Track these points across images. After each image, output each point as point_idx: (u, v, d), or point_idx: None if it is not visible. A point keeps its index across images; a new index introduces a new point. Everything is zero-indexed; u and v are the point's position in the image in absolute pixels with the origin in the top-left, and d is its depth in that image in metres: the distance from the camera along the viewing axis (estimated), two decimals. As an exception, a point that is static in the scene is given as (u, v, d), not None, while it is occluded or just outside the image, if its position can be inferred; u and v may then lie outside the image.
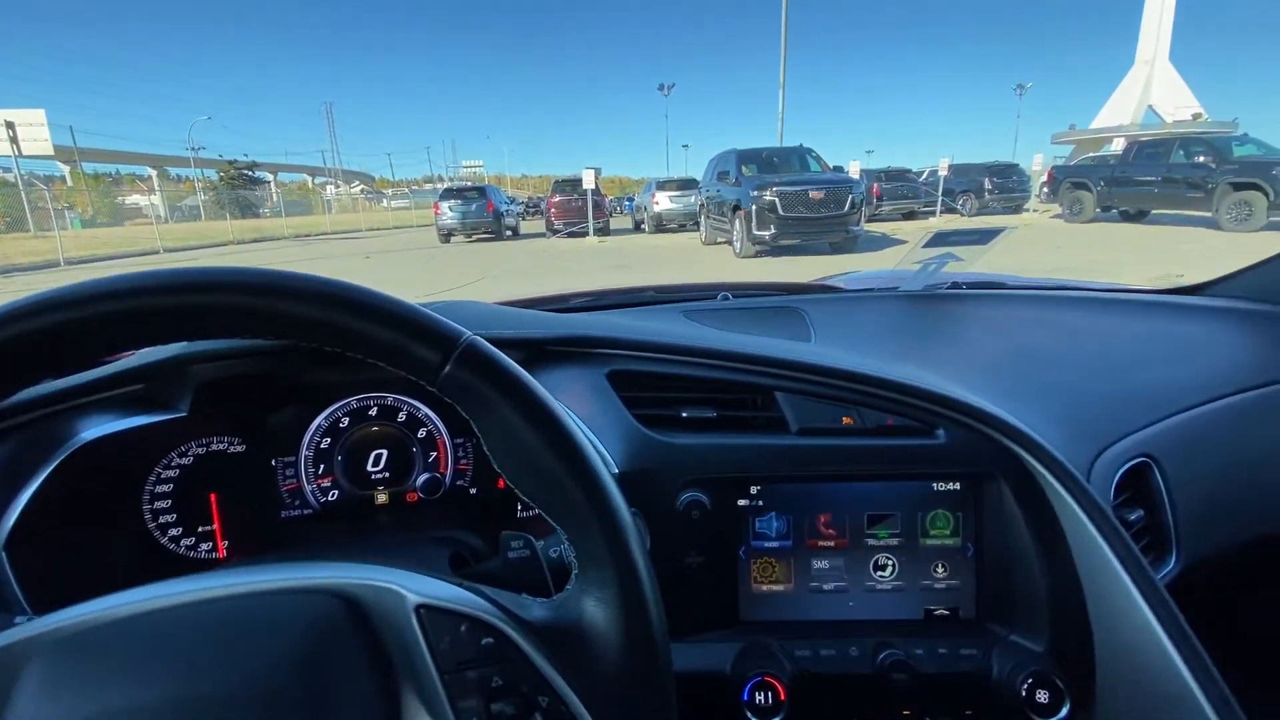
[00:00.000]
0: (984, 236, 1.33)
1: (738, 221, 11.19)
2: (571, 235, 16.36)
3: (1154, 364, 1.10)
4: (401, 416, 0.90)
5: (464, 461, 0.94)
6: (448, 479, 0.92)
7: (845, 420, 0.82)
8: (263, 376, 0.82)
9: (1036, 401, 0.96)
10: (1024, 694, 0.72)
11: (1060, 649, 0.76)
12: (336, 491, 0.88)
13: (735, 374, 0.86)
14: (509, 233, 18.70)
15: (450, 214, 17.24)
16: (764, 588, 0.83)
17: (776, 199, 10.49)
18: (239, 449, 0.84)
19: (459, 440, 0.93)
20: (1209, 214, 12.09)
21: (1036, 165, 17.86)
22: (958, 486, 0.81)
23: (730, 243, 11.85)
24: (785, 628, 0.81)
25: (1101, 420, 0.95)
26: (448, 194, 18.33)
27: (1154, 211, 13.97)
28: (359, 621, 0.42)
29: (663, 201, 16.46)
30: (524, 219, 23.88)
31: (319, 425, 0.87)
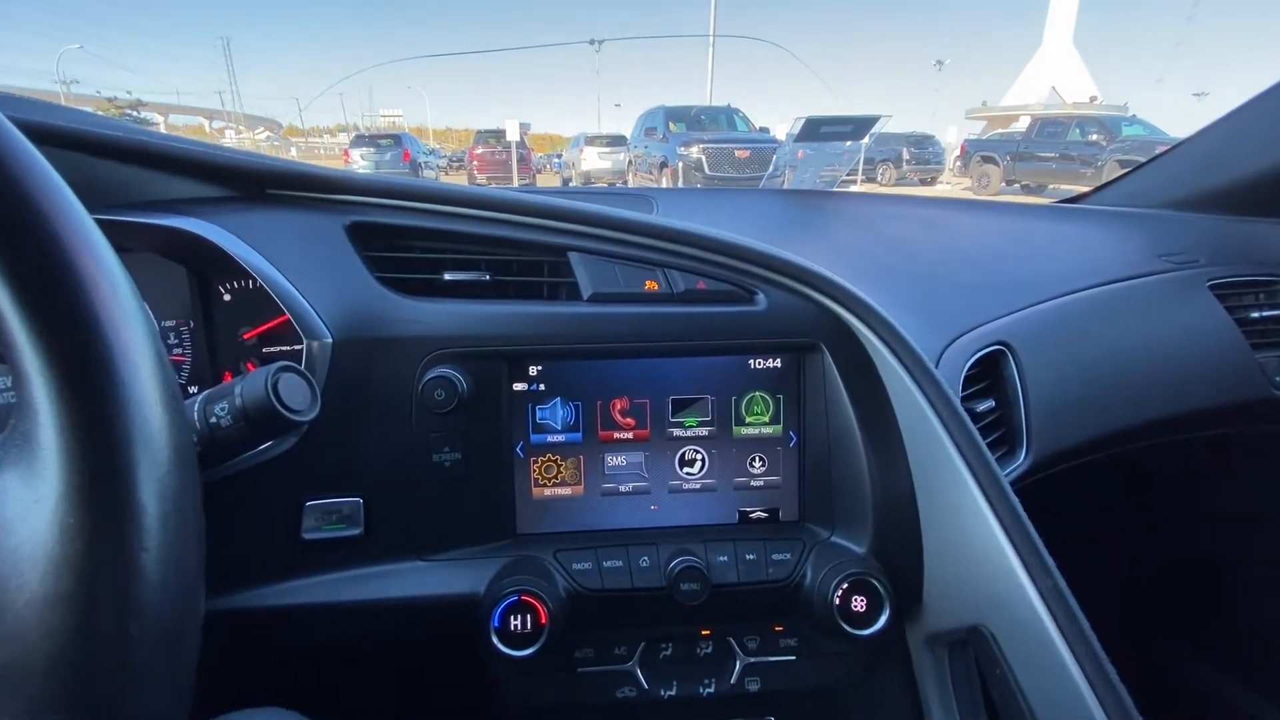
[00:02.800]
0: (858, 128, 1.20)
1: (665, 178, 11.00)
2: (494, 190, 15.59)
3: (1020, 259, 1.01)
4: None
5: (179, 351, 0.72)
6: None
7: (649, 285, 0.66)
8: None
9: (888, 286, 0.84)
10: (837, 602, 0.60)
11: (884, 550, 0.64)
12: None
13: (518, 231, 0.67)
14: (427, 186, 17.66)
15: (362, 163, 16.06)
16: (547, 492, 0.67)
17: (703, 156, 10.37)
18: None
19: (171, 323, 0.72)
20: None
21: (951, 138, 18.50)
22: (778, 363, 0.67)
23: (657, 200, 11.72)
24: (573, 540, 0.66)
25: (957, 307, 0.84)
26: (359, 141, 17.10)
27: (1050, 186, 14.82)
28: None
29: (591, 157, 15.94)
30: (446, 172, 22.71)
31: None
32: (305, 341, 0.59)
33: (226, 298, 0.73)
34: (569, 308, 0.65)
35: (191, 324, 0.72)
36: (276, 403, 0.44)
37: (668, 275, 0.66)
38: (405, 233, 0.68)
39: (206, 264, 0.69)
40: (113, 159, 0.63)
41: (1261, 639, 1.07)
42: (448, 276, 0.66)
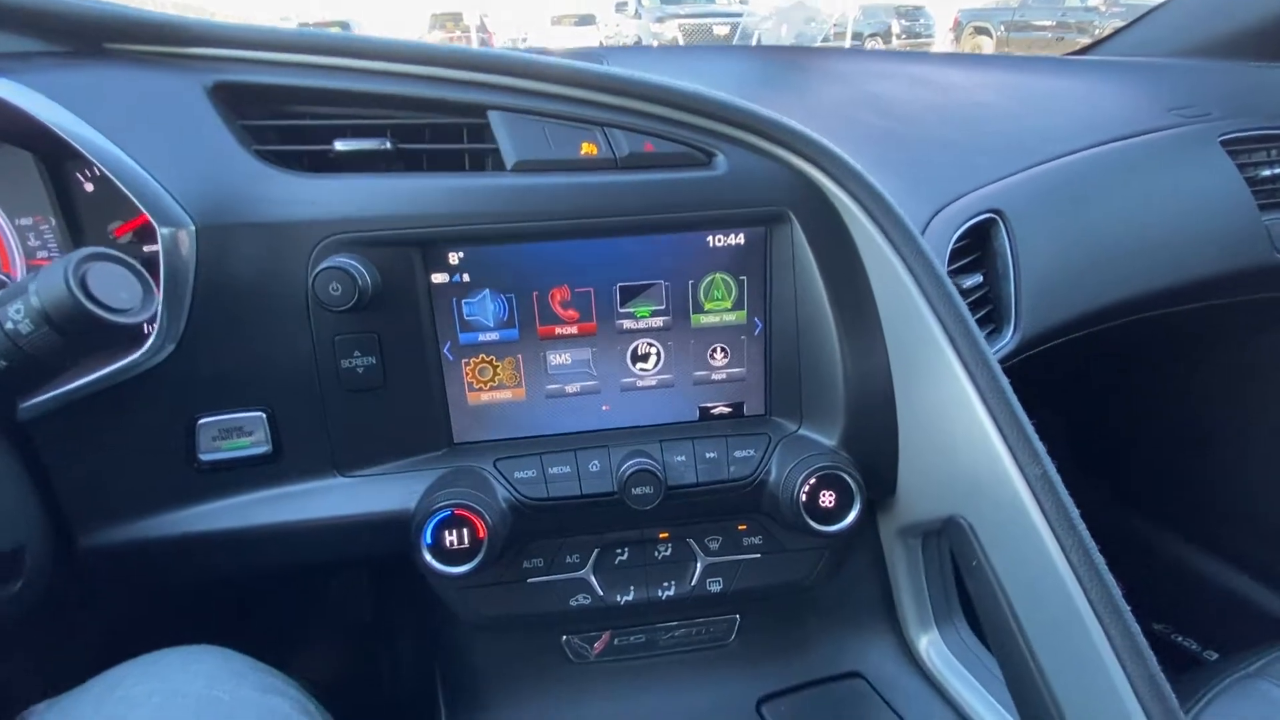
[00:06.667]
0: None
1: (636, 61, 10.28)
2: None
3: (1016, 116, 0.90)
4: None
5: (44, 253, 0.61)
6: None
7: (586, 149, 0.55)
8: None
9: (869, 147, 0.73)
10: (804, 498, 0.55)
11: (856, 441, 0.59)
12: None
13: (427, 87, 0.55)
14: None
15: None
16: (484, 397, 0.59)
17: (679, 34, 9.64)
18: None
19: (28, 221, 0.60)
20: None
21: (943, 10, 17.25)
22: (741, 240, 0.58)
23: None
24: (516, 447, 0.60)
25: (946, 171, 0.75)
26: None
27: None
28: None
29: (559, 39, 14.77)
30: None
31: None
32: (159, 230, 0.48)
33: (89, 187, 0.61)
34: (491, 179, 0.54)
35: (52, 221, 0.61)
36: (86, 300, 0.35)
37: (608, 136, 0.55)
38: (285, 94, 0.56)
39: (47, 145, 0.57)
40: None
41: (1254, 519, 1.07)
42: (339, 146, 0.54)
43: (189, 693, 0.37)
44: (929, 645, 0.67)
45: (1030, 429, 0.48)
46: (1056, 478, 0.46)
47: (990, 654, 0.64)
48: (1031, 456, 0.47)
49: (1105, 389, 1.20)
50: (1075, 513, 0.45)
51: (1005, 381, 0.49)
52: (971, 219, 0.70)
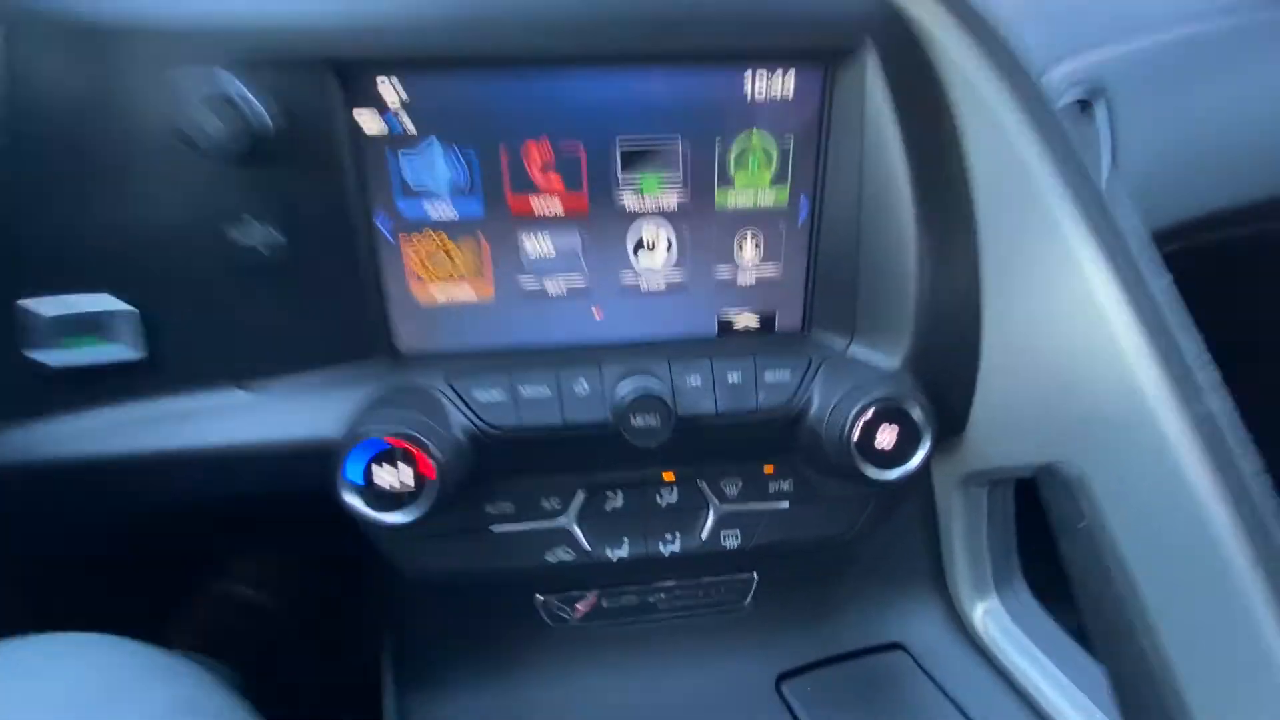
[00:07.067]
0: None
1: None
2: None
3: None
4: None
5: None
6: None
7: None
8: None
9: None
10: (856, 436, 0.42)
11: (924, 362, 0.45)
12: None
13: None
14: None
15: None
16: (437, 293, 0.45)
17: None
18: None
19: None
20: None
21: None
22: (790, 84, 0.42)
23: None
24: (478, 360, 0.45)
25: (1038, 40, 0.59)
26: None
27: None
28: None
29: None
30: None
31: None
32: None
33: None
34: None
35: None
36: None
37: None
38: None
39: None
40: None
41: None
42: None
43: None
44: (985, 614, 0.56)
45: (1201, 348, 0.34)
46: (1228, 421, 0.33)
47: (1061, 629, 0.54)
48: (1194, 388, 0.33)
49: (1208, 322, 1.06)
50: (1253, 470, 0.32)
51: (1167, 281, 0.35)
52: (1068, 95, 0.56)
